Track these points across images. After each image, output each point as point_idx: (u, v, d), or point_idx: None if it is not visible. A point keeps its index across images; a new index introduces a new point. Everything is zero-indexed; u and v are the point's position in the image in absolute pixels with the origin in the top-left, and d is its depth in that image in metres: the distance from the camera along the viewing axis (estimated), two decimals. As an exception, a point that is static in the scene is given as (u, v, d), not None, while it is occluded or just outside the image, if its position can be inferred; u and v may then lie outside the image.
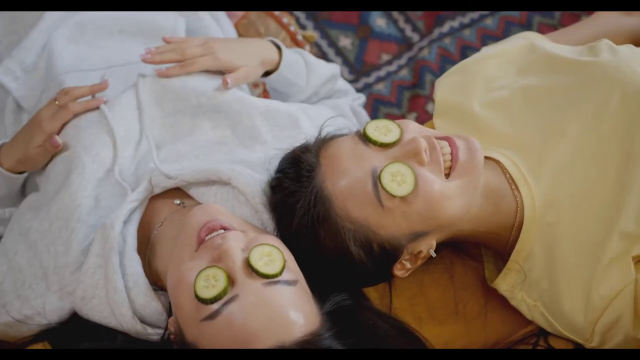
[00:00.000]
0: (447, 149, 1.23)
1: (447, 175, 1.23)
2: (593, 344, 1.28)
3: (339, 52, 1.99)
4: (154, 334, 1.27)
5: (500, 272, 1.35)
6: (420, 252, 1.26)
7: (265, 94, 1.78)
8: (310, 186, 1.23)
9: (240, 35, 1.82)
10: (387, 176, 1.19)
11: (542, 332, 1.35)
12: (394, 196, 1.18)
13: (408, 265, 1.27)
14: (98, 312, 1.28)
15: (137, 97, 1.46)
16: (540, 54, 1.44)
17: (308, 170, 1.25)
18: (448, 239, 1.29)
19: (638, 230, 1.23)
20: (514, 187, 1.31)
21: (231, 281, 1.13)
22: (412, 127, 1.27)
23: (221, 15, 1.77)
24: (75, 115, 1.43)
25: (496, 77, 1.44)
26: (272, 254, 1.16)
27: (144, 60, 1.46)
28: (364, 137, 1.24)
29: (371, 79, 1.95)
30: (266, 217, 1.30)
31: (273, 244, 1.18)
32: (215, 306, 1.12)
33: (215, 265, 1.15)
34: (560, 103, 1.35)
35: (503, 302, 1.36)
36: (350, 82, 1.89)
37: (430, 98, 1.89)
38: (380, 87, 1.94)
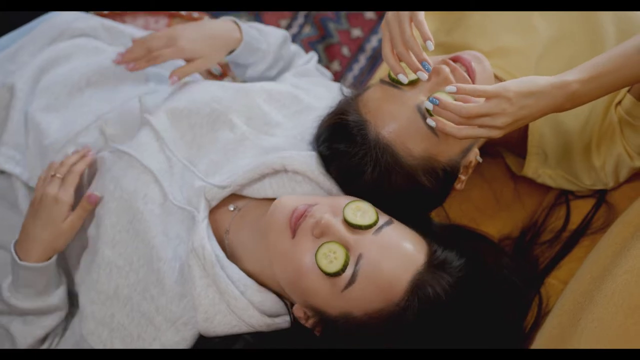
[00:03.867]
0: (463, 67, 1.39)
1: None
2: (611, 184, 1.51)
3: (241, 32, 2.06)
4: (281, 321, 1.37)
5: (520, 160, 1.56)
6: (470, 162, 1.42)
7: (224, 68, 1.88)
8: (369, 142, 1.34)
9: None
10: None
11: (568, 190, 1.58)
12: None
13: (463, 177, 1.44)
14: (226, 324, 1.35)
15: (153, 130, 1.49)
16: None
17: (358, 129, 1.35)
18: (482, 145, 1.47)
19: None
20: None
21: (345, 246, 1.25)
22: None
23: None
24: (81, 175, 1.47)
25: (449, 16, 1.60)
26: (361, 207, 1.29)
27: (116, 62, 1.54)
28: (393, 82, 1.37)
29: (282, 46, 2.04)
30: (328, 185, 1.41)
31: (354, 199, 1.30)
32: (348, 272, 1.24)
33: (324, 242, 1.25)
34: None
35: (528, 179, 1.58)
36: (265, 55, 1.97)
37: (341, 43, 2.03)
38: (294, 50, 2.04)
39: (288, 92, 1.58)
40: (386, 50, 1.33)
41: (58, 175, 1.44)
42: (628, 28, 1.46)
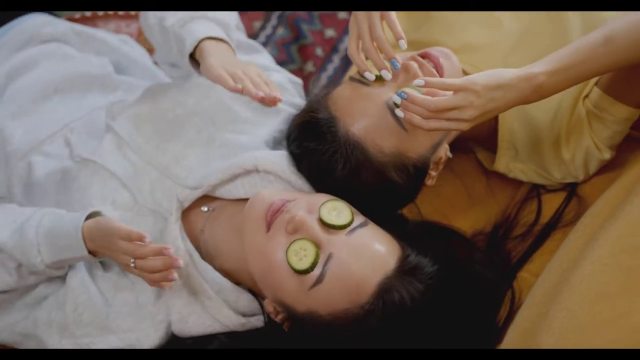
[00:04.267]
0: (431, 63, 1.40)
1: None
2: (581, 177, 1.53)
3: (215, 35, 2.06)
4: (255, 320, 1.37)
5: (491, 155, 1.57)
6: (440, 158, 1.43)
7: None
8: (339, 139, 1.35)
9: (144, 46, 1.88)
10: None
11: (540, 184, 1.59)
12: None
13: (433, 173, 1.45)
14: (200, 324, 1.35)
15: (116, 135, 1.49)
16: None
17: (328, 126, 1.36)
18: (453, 140, 1.48)
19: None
20: None
21: (317, 244, 1.25)
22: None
23: (129, 40, 1.82)
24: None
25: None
26: (338, 207, 1.30)
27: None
28: (362, 78, 1.38)
29: (255, 48, 2.05)
30: (300, 184, 1.41)
31: (332, 198, 1.31)
32: (317, 271, 1.24)
33: (297, 239, 1.26)
34: None
35: (500, 174, 1.60)
36: (239, 57, 1.97)
37: (315, 43, 2.04)
38: (268, 51, 2.04)
39: None
40: (352, 48, 1.34)
41: (135, 266, 1.28)
42: (594, 20, 1.47)
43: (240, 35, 1.72)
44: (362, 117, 1.35)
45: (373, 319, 1.23)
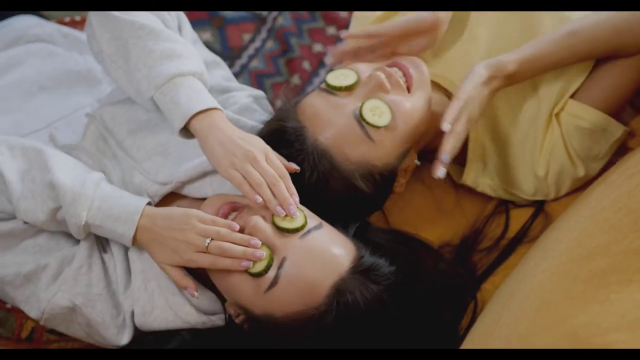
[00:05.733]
0: (400, 72, 1.44)
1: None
2: (552, 195, 1.56)
3: (205, 45, 2.10)
4: (217, 319, 1.40)
5: (460, 169, 1.60)
6: (408, 165, 1.46)
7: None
8: (307, 147, 1.38)
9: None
10: (368, 112, 1.38)
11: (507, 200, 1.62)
12: (379, 127, 1.38)
13: (402, 180, 1.48)
14: (163, 319, 1.38)
15: (99, 127, 1.53)
16: None
17: (296, 135, 1.39)
18: (421, 150, 1.51)
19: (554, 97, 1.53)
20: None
21: (271, 248, 1.28)
22: (362, 66, 1.46)
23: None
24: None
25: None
26: None
27: None
28: (330, 88, 1.42)
29: (244, 59, 2.09)
30: None
31: None
32: (271, 273, 1.27)
33: None
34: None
35: (470, 188, 1.62)
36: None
37: (302, 57, 2.08)
38: (255, 63, 2.09)
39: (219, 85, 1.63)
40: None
41: (208, 249, 1.28)
42: None
43: (200, 50, 1.71)
44: (330, 126, 1.38)
45: (328, 320, 1.26)
